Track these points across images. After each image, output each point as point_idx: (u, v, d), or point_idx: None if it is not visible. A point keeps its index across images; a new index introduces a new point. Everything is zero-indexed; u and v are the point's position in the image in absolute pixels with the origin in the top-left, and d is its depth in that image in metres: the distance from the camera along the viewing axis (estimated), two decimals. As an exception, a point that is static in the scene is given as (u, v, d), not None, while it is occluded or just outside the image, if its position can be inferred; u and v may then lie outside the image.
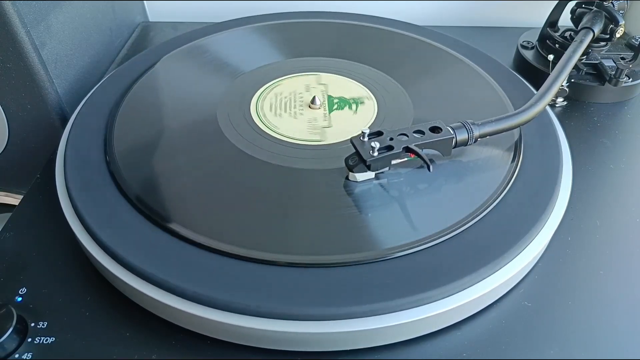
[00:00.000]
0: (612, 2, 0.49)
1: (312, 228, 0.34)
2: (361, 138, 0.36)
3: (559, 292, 0.33)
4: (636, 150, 0.45)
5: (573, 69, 0.44)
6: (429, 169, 0.35)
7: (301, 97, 0.45)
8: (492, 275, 0.31)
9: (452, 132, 0.36)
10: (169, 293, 0.30)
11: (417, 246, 0.32)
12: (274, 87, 0.46)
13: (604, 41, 0.52)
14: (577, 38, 0.46)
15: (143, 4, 0.69)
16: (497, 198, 0.35)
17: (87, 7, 0.53)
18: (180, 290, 0.30)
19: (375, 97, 0.45)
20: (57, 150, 0.41)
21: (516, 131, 0.40)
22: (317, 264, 0.31)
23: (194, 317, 0.29)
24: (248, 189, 0.36)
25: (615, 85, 0.49)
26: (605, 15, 0.48)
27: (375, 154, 0.35)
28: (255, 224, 0.34)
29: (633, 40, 0.52)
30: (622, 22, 0.48)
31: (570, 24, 0.53)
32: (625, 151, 0.45)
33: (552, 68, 0.43)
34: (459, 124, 0.37)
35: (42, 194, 0.40)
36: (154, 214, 0.34)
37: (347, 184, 0.36)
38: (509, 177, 0.37)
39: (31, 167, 0.48)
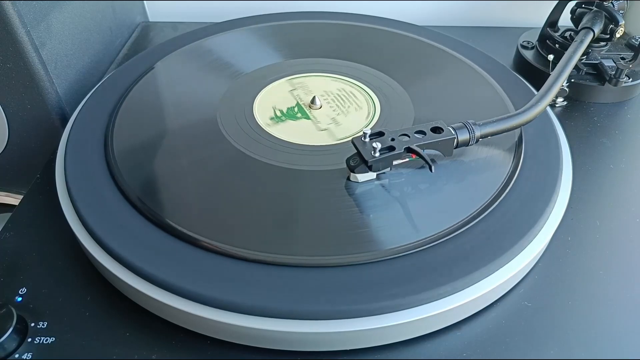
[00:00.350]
0: (612, 2, 0.49)
1: (312, 228, 0.34)
2: (362, 139, 0.36)
3: (559, 292, 0.33)
4: (636, 150, 0.45)
5: (573, 69, 0.44)
6: (430, 170, 0.35)
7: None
8: (492, 275, 0.31)
9: (453, 132, 0.36)
10: (169, 293, 0.30)
11: (418, 246, 0.32)
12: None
13: (604, 41, 0.52)
14: (577, 38, 0.46)
15: (143, 4, 0.69)
16: (497, 198, 0.35)
17: (87, 7, 0.53)
18: (180, 290, 0.30)
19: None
20: (57, 150, 0.40)
21: (516, 131, 0.40)
22: (317, 264, 0.31)
23: (194, 317, 0.29)
24: (248, 189, 0.36)
25: (615, 85, 0.49)
26: (605, 15, 0.48)
27: (377, 154, 0.35)
28: (255, 224, 0.34)
29: (633, 40, 0.52)
30: (622, 22, 0.48)
31: (570, 24, 0.53)
32: (625, 151, 0.45)
33: (552, 68, 0.43)
34: (461, 124, 0.37)
35: (42, 194, 0.40)
36: (154, 214, 0.34)
37: (349, 185, 0.36)
38: (509, 177, 0.37)
39: (31, 167, 0.48)
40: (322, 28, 0.56)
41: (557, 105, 0.50)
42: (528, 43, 0.56)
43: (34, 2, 0.44)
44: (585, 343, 0.31)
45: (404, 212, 0.34)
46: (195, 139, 0.41)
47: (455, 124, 0.37)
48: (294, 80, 0.48)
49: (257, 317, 0.29)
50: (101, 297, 0.33)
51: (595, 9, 0.49)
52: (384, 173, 0.37)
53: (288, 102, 0.45)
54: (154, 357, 0.30)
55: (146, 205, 0.34)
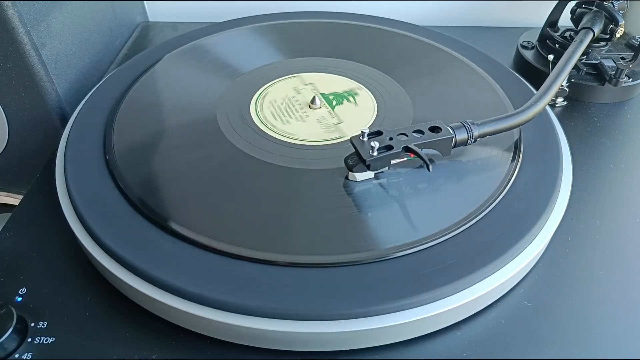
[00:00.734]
0: (612, 2, 0.49)
1: (312, 228, 0.34)
2: (361, 138, 0.36)
3: (559, 292, 0.33)
4: (636, 150, 0.45)
5: (573, 69, 0.44)
6: (428, 169, 0.35)
7: (297, 100, 0.45)
8: (492, 275, 0.31)
9: (451, 131, 0.36)
10: (169, 293, 0.30)
11: (417, 246, 0.32)
12: (271, 90, 0.46)
13: (604, 41, 0.52)
14: (577, 38, 0.46)
15: (143, 4, 0.69)
16: (496, 198, 0.35)
17: (87, 7, 0.53)
18: (181, 290, 0.30)
19: (375, 97, 0.45)
20: (57, 150, 0.40)
21: (516, 131, 0.40)
22: (317, 264, 0.31)
23: (194, 317, 0.29)
24: (247, 189, 0.36)
25: (615, 85, 0.49)
26: (605, 15, 0.48)
27: (375, 153, 0.35)
28: (255, 224, 0.34)
29: (633, 40, 0.52)
30: (622, 22, 0.48)
31: (570, 24, 0.53)
32: (625, 151, 0.45)
33: (552, 68, 0.43)
34: (459, 123, 0.37)
35: (42, 194, 0.40)
36: (154, 214, 0.34)
37: (347, 184, 0.36)
38: (508, 177, 0.37)
39: (31, 167, 0.48)
40: (322, 28, 0.56)
41: (557, 105, 0.50)
42: (528, 43, 0.56)
43: (34, 2, 0.44)
44: (585, 343, 0.31)
45: (403, 211, 0.34)
46: (195, 139, 0.41)
47: (454, 124, 0.37)
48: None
49: (257, 317, 0.29)
50: (101, 297, 0.33)
51: (595, 9, 0.49)
52: (382, 172, 0.37)
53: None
54: (154, 357, 0.30)
55: (146, 205, 0.34)
